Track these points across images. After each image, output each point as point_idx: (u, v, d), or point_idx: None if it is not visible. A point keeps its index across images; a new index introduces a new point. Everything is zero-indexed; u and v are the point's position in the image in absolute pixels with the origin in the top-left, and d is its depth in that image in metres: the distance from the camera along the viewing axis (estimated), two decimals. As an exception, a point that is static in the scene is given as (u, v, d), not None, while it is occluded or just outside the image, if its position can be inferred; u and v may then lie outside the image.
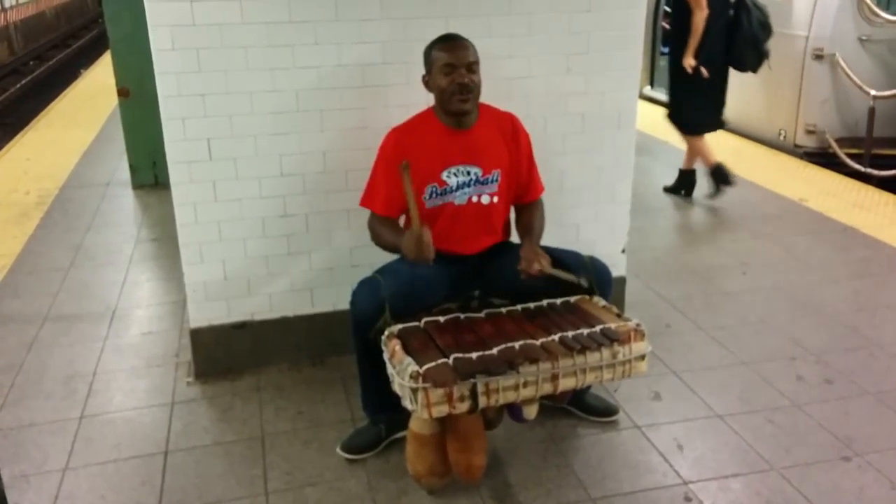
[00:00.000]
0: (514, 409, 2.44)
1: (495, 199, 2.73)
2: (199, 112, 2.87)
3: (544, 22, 3.12)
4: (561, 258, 2.76)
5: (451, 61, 2.57)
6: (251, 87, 2.90)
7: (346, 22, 2.91)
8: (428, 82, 2.68)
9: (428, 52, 2.67)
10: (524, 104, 3.06)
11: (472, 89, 2.60)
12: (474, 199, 2.70)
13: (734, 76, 5.15)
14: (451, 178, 2.67)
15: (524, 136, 2.80)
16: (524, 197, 2.84)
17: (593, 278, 2.68)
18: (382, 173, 2.68)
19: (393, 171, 2.64)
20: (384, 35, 2.97)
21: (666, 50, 9.37)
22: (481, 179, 2.69)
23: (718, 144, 6.85)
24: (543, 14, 3.11)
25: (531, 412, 2.43)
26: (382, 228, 2.68)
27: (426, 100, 2.87)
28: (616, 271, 3.33)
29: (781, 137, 6.66)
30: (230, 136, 2.93)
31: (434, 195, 2.67)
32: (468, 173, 2.68)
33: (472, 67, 2.60)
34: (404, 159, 2.48)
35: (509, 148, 2.75)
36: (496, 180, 2.72)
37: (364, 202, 2.74)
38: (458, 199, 2.69)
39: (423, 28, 2.98)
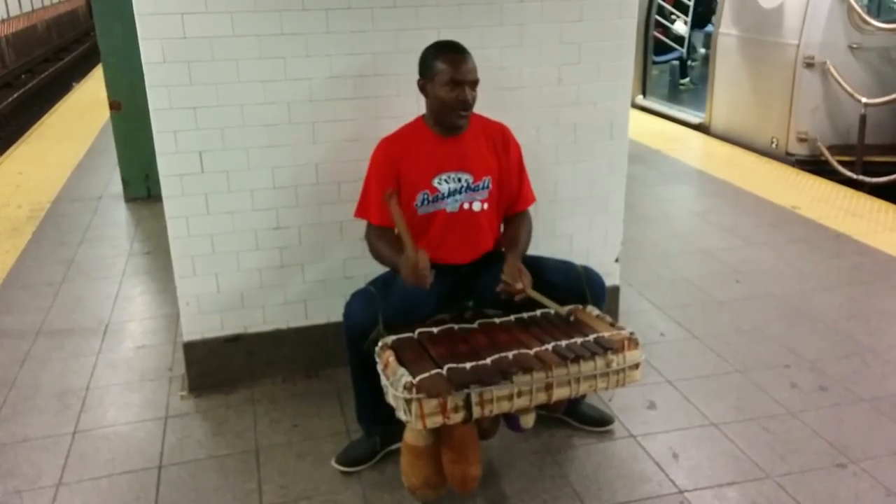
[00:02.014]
0: (511, 419, 2.43)
1: (486, 206, 2.73)
2: (191, 125, 2.87)
3: (536, 32, 3.13)
4: (554, 270, 2.77)
5: (456, 77, 2.55)
6: (243, 100, 2.90)
7: (338, 34, 2.92)
8: (424, 87, 2.65)
9: (430, 59, 2.62)
10: (516, 114, 3.07)
11: (471, 106, 2.62)
12: (465, 206, 2.70)
13: (726, 85, 5.11)
14: (443, 184, 2.67)
15: (514, 147, 2.80)
16: (513, 207, 2.84)
17: (588, 298, 2.68)
18: (374, 183, 2.67)
19: (384, 180, 2.64)
20: (375, 47, 2.97)
21: (658, 59, 9.51)
22: (472, 186, 2.69)
23: (711, 153, 6.91)
24: (535, 25, 3.12)
25: (528, 421, 2.42)
26: (380, 243, 2.67)
27: (418, 111, 2.87)
28: (610, 280, 3.34)
29: (773, 145, 6.69)
30: (222, 149, 2.93)
31: (426, 202, 2.67)
32: (459, 180, 2.68)
33: (475, 85, 2.61)
34: (391, 188, 2.54)
35: (499, 157, 2.75)
36: (487, 187, 2.72)
37: (358, 213, 2.74)
38: (450, 206, 2.69)
39: (414, 39, 2.98)
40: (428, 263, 2.41)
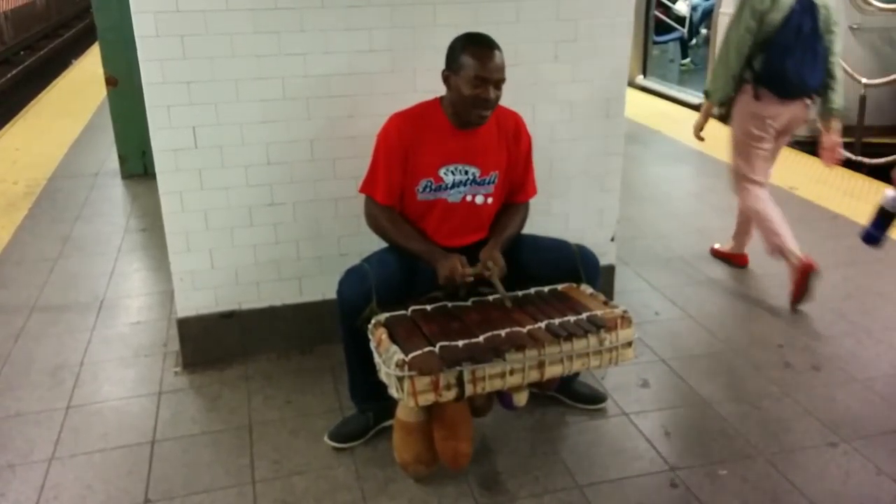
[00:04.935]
0: (504, 397, 2.43)
1: (489, 201, 2.72)
2: (185, 100, 2.85)
3: (532, 9, 3.10)
4: (548, 248, 2.77)
5: (483, 75, 2.49)
6: (237, 75, 2.87)
7: (333, 9, 2.89)
8: (448, 79, 2.58)
9: (458, 51, 2.54)
10: (512, 92, 3.01)
11: (494, 105, 2.57)
12: (469, 198, 2.69)
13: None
14: (448, 175, 2.64)
15: (525, 138, 2.77)
16: (513, 196, 2.82)
17: (582, 277, 2.67)
18: (384, 160, 2.63)
19: (394, 158, 2.61)
20: (371, 22, 2.94)
21: (659, 39, 9.45)
22: (478, 180, 2.67)
23: (711, 133, 6.86)
24: (531, 1, 3.09)
25: (521, 399, 2.42)
26: (392, 226, 2.65)
27: (413, 87, 2.86)
28: (605, 260, 3.33)
29: (773, 126, 6.64)
30: (216, 124, 2.91)
31: (428, 189, 2.65)
32: (466, 172, 2.66)
33: (500, 84, 2.55)
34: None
35: (509, 148, 2.73)
36: (493, 182, 2.70)
37: (364, 189, 2.70)
38: (452, 196, 2.67)
39: (410, 15, 2.96)
40: (467, 269, 2.54)
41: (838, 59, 3.66)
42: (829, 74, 3.63)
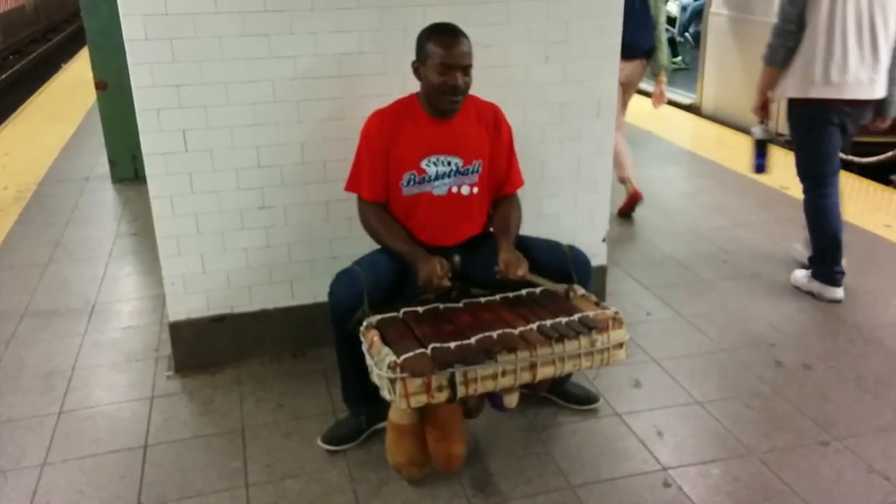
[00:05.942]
0: (495, 398, 2.44)
1: (475, 190, 2.72)
2: (174, 103, 2.84)
3: (522, 10, 3.11)
4: (540, 249, 2.77)
5: (448, 62, 2.52)
6: (226, 78, 2.87)
7: (322, 11, 2.89)
8: (418, 70, 2.62)
9: (423, 41, 2.59)
10: (502, 94, 3.04)
11: (464, 91, 2.59)
12: (454, 189, 2.69)
13: (717, 65, 5.10)
14: (431, 167, 2.65)
15: (506, 128, 2.79)
16: (501, 189, 2.83)
17: (574, 278, 2.67)
18: (366, 157, 2.66)
19: (375, 153, 2.64)
20: (360, 24, 2.94)
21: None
22: (462, 170, 2.68)
23: (702, 134, 6.89)
24: (521, 2, 3.10)
25: (512, 401, 2.43)
26: (379, 225, 2.67)
27: (403, 90, 2.85)
28: (597, 260, 3.34)
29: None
30: (206, 128, 2.90)
31: (412, 182, 2.66)
32: (448, 163, 2.67)
33: (468, 70, 2.57)
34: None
35: (490, 138, 2.74)
36: (477, 171, 2.71)
37: (349, 186, 2.74)
38: (438, 189, 2.67)
39: (399, 17, 2.96)
40: (446, 271, 2.51)
41: (663, 28, 4.77)
42: (657, 39, 4.73)
